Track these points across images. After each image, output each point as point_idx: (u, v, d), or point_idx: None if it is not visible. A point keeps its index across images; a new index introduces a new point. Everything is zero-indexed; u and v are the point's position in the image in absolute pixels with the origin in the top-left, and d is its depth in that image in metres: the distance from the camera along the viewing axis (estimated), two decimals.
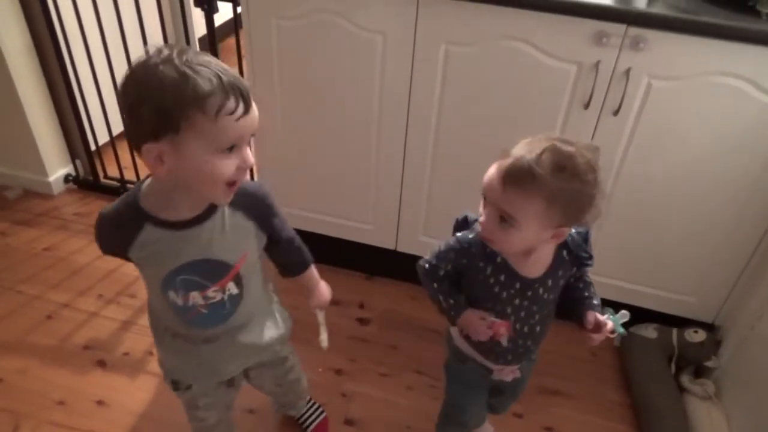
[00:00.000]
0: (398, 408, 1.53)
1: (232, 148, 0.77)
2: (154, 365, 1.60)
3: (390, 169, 1.64)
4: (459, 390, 1.25)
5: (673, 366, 1.59)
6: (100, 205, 2.19)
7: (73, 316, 1.73)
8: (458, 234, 1.03)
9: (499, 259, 0.99)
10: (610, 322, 0.97)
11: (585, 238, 0.99)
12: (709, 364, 1.56)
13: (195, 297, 0.92)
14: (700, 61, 1.27)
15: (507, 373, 1.13)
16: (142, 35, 1.89)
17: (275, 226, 0.98)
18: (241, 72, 1.85)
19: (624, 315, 0.98)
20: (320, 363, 1.62)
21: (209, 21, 1.85)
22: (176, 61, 0.72)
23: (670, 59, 1.28)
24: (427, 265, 1.06)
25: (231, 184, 0.81)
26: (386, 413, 1.52)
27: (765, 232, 1.45)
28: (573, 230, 0.97)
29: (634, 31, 1.26)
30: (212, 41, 1.87)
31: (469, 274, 1.03)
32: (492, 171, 0.90)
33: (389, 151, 1.60)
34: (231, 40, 1.86)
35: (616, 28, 1.27)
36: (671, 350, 1.60)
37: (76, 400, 1.49)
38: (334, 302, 1.81)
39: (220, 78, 0.73)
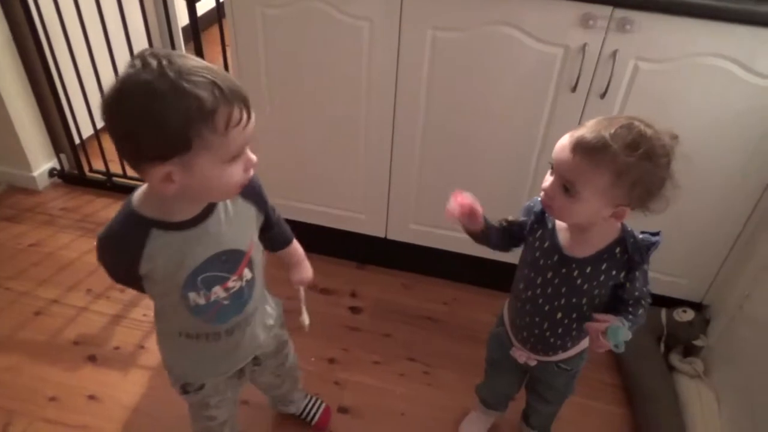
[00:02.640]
0: (392, 395, 1.54)
1: (239, 155, 0.77)
2: (146, 359, 1.59)
3: (379, 157, 1.63)
4: (487, 355, 1.32)
5: (662, 346, 1.61)
6: (86, 200, 2.18)
7: (62, 311, 1.72)
8: (535, 198, 1.06)
9: (549, 225, 1.01)
10: (606, 324, 0.91)
11: (648, 247, 0.95)
12: (697, 343, 1.58)
13: (217, 292, 0.91)
14: (687, 43, 1.27)
15: (519, 354, 1.16)
16: (123, 26, 1.86)
17: (267, 204, 0.99)
18: (225, 62, 1.83)
19: (627, 335, 0.91)
20: (313, 352, 1.62)
21: (191, 10, 1.82)
22: (170, 74, 0.67)
23: (657, 41, 1.28)
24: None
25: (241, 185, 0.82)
26: (380, 400, 1.52)
27: (752, 212, 1.46)
28: (641, 235, 0.95)
29: (620, 12, 1.26)
30: (195, 31, 1.85)
31: (527, 233, 1.06)
32: (564, 138, 0.89)
33: (378, 138, 1.60)
34: (215, 29, 1.84)
35: (603, 10, 1.26)
36: (660, 330, 1.62)
37: (68, 395, 1.48)
38: (326, 292, 1.82)
39: (220, 88, 0.70)
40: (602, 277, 0.98)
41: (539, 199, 1.01)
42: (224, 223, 0.88)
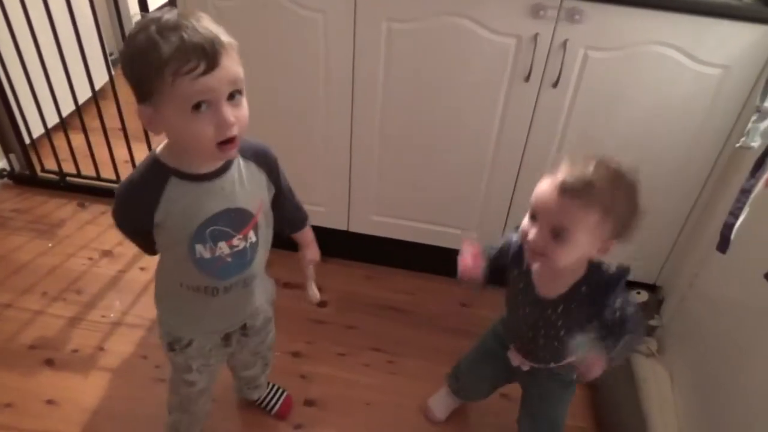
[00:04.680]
0: (357, 386, 1.55)
1: (199, 107, 0.79)
2: (106, 360, 1.56)
3: (338, 150, 1.63)
4: (482, 340, 1.34)
5: None
6: (39, 200, 2.12)
7: (16, 315, 1.67)
8: (510, 235, 1.10)
9: (524, 266, 1.05)
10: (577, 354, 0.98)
11: (614, 282, 0.97)
12: (652, 322, 1.64)
13: (222, 247, 0.95)
14: (633, 32, 1.31)
15: (514, 356, 1.19)
16: (72, 21, 1.80)
17: (282, 179, 1.05)
18: None
19: (585, 346, 0.97)
20: (278, 346, 1.60)
21: (143, 5, 1.79)
22: (152, 27, 0.75)
23: (605, 30, 1.32)
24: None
25: (222, 143, 0.82)
26: (345, 391, 1.53)
27: (698, 195, 1.52)
28: (607, 272, 0.98)
29: (569, 3, 1.29)
30: None
31: (506, 272, 1.11)
32: (545, 187, 0.91)
33: (336, 131, 1.60)
34: None
35: (552, 1, 1.29)
36: None
37: (25, 401, 1.44)
38: (290, 285, 1.81)
39: (183, 40, 0.75)
40: (574, 314, 1.01)
41: (514, 241, 1.06)
42: (237, 182, 0.93)
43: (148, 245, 1.00)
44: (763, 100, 1.24)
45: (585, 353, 0.97)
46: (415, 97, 1.50)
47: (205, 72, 0.76)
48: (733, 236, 1.19)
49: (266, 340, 1.27)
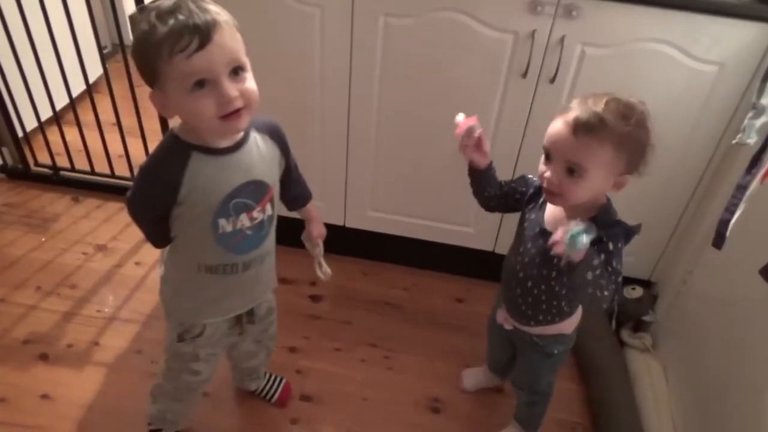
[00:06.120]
0: (353, 381, 1.55)
1: (202, 85, 0.81)
2: (100, 355, 1.55)
3: (335, 145, 1.63)
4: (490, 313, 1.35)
5: (613, 322, 1.67)
6: (32, 194, 2.10)
7: (9, 310, 1.66)
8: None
9: (541, 200, 1.07)
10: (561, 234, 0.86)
11: (618, 225, 0.96)
12: (646, 318, 1.65)
13: (243, 219, 0.97)
14: (630, 29, 1.31)
15: (500, 314, 1.22)
16: (66, 11, 1.79)
17: (290, 153, 1.06)
18: None
19: (578, 223, 0.85)
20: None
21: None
22: (152, 14, 0.79)
23: (602, 27, 1.32)
24: None
25: (225, 116, 0.84)
26: (341, 387, 1.53)
27: (693, 193, 1.53)
28: (617, 219, 0.98)
29: None
30: None
31: (524, 204, 1.12)
32: (558, 125, 0.93)
33: (333, 126, 1.59)
34: None
35: None
36: (611, 308, 1.68)
37: (18, 396, 1.44)
38: (286, 281, 1.81)
39: (177, 20, 0.78)
40: None
41: (538, 178, 1.06)
42: (255, 155, 0.96)
43: (160, 234, 1.01)
44: (758, 97, 1.24)
45: (575, 236, 0.85)
46: (411, 92, 1.49)
47: (199, 48, 0.78)
48: (728, 232, 1.19)
49: (269, 329, 1.29)
